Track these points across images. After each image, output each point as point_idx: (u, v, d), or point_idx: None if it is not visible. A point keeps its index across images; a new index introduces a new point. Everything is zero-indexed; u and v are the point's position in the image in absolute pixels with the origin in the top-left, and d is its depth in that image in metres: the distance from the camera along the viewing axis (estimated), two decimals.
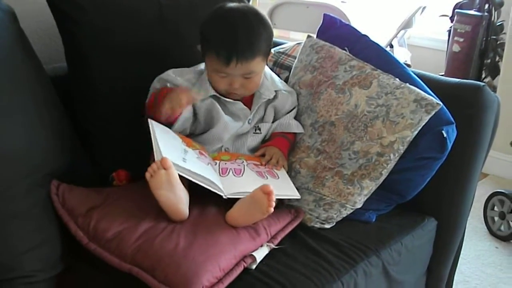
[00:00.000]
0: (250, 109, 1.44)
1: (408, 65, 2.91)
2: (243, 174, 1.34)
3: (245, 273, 1.15)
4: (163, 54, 1.50)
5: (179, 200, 1.18)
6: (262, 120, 1.49)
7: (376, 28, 2.77)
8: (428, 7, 3.11)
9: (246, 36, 1.32)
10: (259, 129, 1.48)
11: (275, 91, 1.47)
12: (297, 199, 1.37)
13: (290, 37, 3.24)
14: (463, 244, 1.62)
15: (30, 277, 1.10)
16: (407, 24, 2.95)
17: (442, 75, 2.71)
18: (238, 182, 1.30)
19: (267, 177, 1.35)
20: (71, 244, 1.18)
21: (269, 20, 1.41)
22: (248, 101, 1.45)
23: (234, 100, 1.42)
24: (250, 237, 1.21)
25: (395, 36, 2.95)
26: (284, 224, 1.31)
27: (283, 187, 1.36)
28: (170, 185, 1.15)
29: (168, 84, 1.39)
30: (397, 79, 1.42)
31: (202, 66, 1.45)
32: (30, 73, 1.27)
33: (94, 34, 1.40)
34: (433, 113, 1.36)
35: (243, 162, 1.39)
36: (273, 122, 1.49)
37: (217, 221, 1.23)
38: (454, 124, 1.40)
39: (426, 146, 1.39)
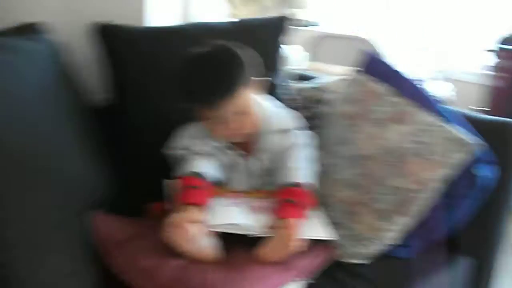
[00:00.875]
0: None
1: (451, 100, 2.91)
2: None
3: None
4: None
5: (202, 248, 1.20)
6: (272, 171, 1.43)
7: (418, 61, 2.79)
8: (473, 41, 3.10)
9: (221, 75, 1.29)
10: (271, 177, 1.43)
11: (276, 131, 1.42)
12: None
13: (331, 70, 3.26)
14: (499, 283, 1.59)
15: None
16: (445, 58, 2.94)
17: (486, 111, 2.69)
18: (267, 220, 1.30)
19: None
20: (103, 273, 1.21)
21: (242, 54, 1.34)
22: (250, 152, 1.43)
23: (237, 147, 1.41)
24: (280, 272, 1.21)
25: (438, 70, 2.95)
26: (316, 259, 1.31)
27: (314, 228, 1.33)
28: (190, 237, 1.19)
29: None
30: (434, 116, 1.42)
31: None
32: (73, 105, 1.32)
33: (132, 65, 1.46)
34: (468, 152, 1.35)
35: (274, 201, 1.36)
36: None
37: (247, 256, 1.23)
38: (490, 163, 1.38)
39: (461, 185, 1.37)
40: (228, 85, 1.29)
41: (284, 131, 1.43)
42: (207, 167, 1.37)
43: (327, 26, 4.42)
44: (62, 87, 1.31)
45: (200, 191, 1.30)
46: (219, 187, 1.40)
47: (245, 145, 1.42)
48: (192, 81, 1.31)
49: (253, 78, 1.35)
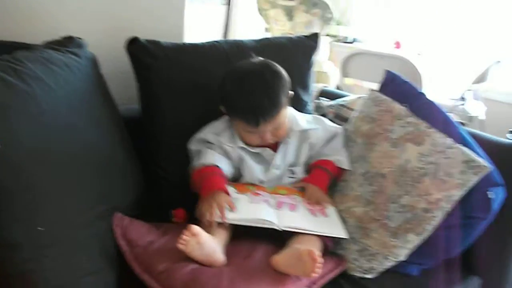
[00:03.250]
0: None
1: (483, 121, 2.91)
2: (296, 209, 1.43)
3: None
4: None
5: (212, 254, 1.26)
6: (295, 163, 1.56)
7: (449, 81, 2.79)
8: (506, 61, 3.09)
9: (267, 99, 1.41)
10: (293, 173, 1.56)
11: (301, 131, 1.55)
12: (342, 248, 1.42)
13: (364, 86, 3.30)
14: None
15: None
16: (481, 78, 2.93)
17: None
18: (292, 217, 1.38)
19: (317, 215, 1.43)
20: (127, 272, 1.28)
21: (283, 73, 1.48)
22: (275, 147, 1.54)
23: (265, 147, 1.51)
24: (291, 282, 1.26)
25: (468, 89, 2.95)
26: (326, 272, 1.35)
27: (331, 226, 1.42)
28: (200, 246, 1.24)
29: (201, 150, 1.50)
30: (450, 138, 1.46)
31: None
32: (107, 114, 1.43)
33: (164, 78, 1.55)
34: (481, 175, 1.38)
35: (295, 198, 1.48)
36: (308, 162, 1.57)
37: (262, 263, 1.29)
38: (503, 186, 1.42)
39: (472, 206, 1.41)
40: (273, 107, 1.42)
41: (310, 130, 1.57)
42: (222, 163, 1.48)
43: (369, 43, 4.44)
44: (98, 97, 1.41)
45: (220, 177, 1.43)
46: (245, 184, 1.50)
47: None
48: (238, 98, 1.44)
49: (290, 94, 1.50)
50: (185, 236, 1.22)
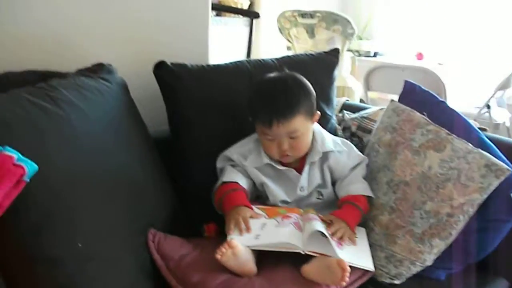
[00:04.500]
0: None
1: (508, 126, 2.91)
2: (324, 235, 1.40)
3: None
4: None
5: (245, 264, 1.31)
6: (323, 185, 1.57)
7: (473, 89, 2.80)
8: None
9: (284, 98, 1.43)
10: (321, 195, 1.57)
11: (324, 152, 1.54)
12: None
13: (388, 99, 3.32)
14: None
15: None
16: (505, 85, 2.94)
17: None
18: (318, 241, 1.36)
19: (346, 243, 1.40)
20: (162, 286, 1.34)
21: (309, 84, 1.51)
22: (301, 168, 1.54)
23: (288, 164, 1.53)
24: None
25: (493, 96, 2.95)
26: (354, 279, 1.37)
27: (359, 256, 1.39)
28: (236, 257, 1.29)
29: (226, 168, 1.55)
30: (470, 144, 1.49)
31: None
32: (138, 136, 1.49)
33: (191, 99, 1.61)
34: (503, 178, 1.41)
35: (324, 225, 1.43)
36: (333, 183, 1.58)
37: (290, 274, 1.32)
38: None
39: (495, 209, 1.44)
40: (288, 108, 1.43)
41: (334, 152, 1.56)
42: (243, 181, 1.52)
43: (391, 56, 4.48)
44: (129, 120, 1.48)
45: (242, 193, 1.46)
46: (276, 208, 1.52)
47: (295, 162, 1.54)
48: (258, 100, 1.48)
49: (313, 108, 1.51)
50: (223, 249, 1.28)
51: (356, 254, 1.39)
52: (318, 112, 1.55)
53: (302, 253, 1.31)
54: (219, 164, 1.59)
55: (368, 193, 1.53)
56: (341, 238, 1.38)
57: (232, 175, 1.53)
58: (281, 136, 1.46)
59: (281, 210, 1.49)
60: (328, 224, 1.42)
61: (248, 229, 1.36)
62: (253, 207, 1.46)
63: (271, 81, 1.51)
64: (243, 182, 1.53)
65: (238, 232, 1.35)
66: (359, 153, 1.61)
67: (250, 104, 1.50)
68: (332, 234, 1.37)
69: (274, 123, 1.42)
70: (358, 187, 1.54)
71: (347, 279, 1.26)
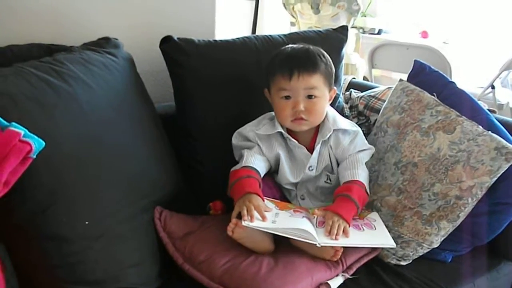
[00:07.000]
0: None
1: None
2: None
3: None
4: (260, 94, 1.58)
5: (262, 241, 1.32)
6: (331, 170, 1.54)
7: (477, 68, 2.78)
8: None
9: (306, 56, 1.46)
10: (330, 180, 1.54)
11: (335, 130, 1.50)
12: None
13: (392, 77, 3.30)
14: None
15: None
16: (510, 65, 2.91)
17: None
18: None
19: (363, 229, 1.40)
20: (168, 263, 1.34)
21: (328, 57, 1.51)
22: (312, 147, 1.51)
23: (299, 141, 1.50)
24: (327, 267, 1.32)
25: (497, 76, 2.93)
26: (360, 256, 1.39)
27: (379, 237, 1.39)
28: (250, 235, 1.30)
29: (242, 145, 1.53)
30: (480, 126, 1.47)
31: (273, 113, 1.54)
32: (144, 112, 1.47)
33: (197, 75, 1.58)
34: None
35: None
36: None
37: (296, 251, 1.34)
38: None
39: (504, 192, 1.43)
40: (309, 62, 1.45)
41: (344, 132, 1.53)
42: (259, 165, 1.49)
43: (396, 34, 4.44)
44: (135, 95, 1.45)
45: (255, 181, 1.42)
46: (286, 203, 1.50)
47: (307, 140, 1.52)
48: (277, 57, 1.49)
49: (332, 80, 1.51)
50: (232, 225, 1.29)
51: (376, 237, 1.39)
52: (335, 88, 1.55)
53: (318, 245, 1.29)
54: (234, 140, 1.56)
55: (362, 179, 1.47)
56: (336, 234, 1.32)
57: (250, 159, 1.48)
58: (298, 93, 1.44)
59: (290, 205, 1.48)
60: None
61: (263, 217, 1.32)
62: (265, 198, 1.42)
63: (292, 46, 1.52)
64: (260, 166, 1.48)
65: (250, 219, 1.31)
66: (365, 142, 1.57)
67: (268, 64, 1.51)
68: (328, 233, 1.32)
69: (295, 75, 1.42)
70: (353, 173, 1.49)
71: (338, 257, 1.32)
